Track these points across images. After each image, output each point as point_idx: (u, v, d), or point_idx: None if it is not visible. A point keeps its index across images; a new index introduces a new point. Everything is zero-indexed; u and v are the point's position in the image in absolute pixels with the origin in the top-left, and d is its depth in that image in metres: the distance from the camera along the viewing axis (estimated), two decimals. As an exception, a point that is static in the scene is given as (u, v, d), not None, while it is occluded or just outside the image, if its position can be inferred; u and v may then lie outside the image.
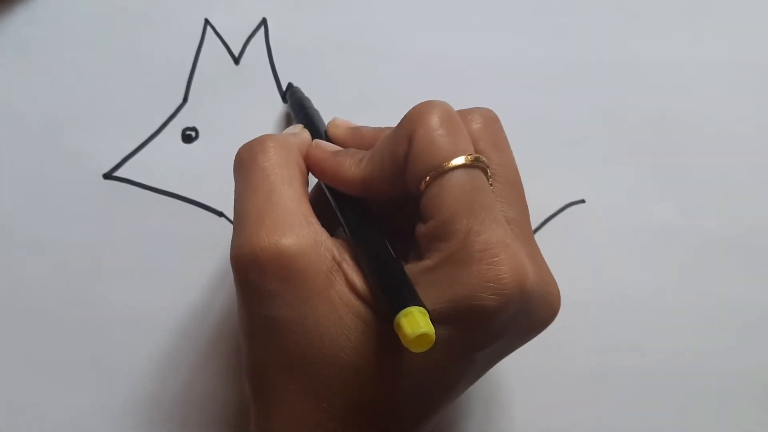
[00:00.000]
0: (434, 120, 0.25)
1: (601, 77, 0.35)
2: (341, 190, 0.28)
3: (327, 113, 0.35)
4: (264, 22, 0.35)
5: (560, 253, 0.34)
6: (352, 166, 0.27)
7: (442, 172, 0.24)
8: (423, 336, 0.22)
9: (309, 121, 0.32)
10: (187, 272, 0.34)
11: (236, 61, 0.35)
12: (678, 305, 0.34)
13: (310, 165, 0.28)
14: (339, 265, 0.25)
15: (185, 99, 0.35)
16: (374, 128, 0.30)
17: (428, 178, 0.25)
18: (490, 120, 0.28)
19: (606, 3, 0.36)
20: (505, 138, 0.28)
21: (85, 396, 0.34)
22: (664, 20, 0.36)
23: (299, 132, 0.30)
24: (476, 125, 0.27)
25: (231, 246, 0.26)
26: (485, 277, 0.23)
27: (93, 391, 0.34)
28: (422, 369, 0.24)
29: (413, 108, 0.26)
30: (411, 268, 0.25)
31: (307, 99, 0.34)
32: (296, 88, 0.35)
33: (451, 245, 0.24)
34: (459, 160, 0.24)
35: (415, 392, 0.25)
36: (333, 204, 0.28)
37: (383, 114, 0.35)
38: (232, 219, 0.34)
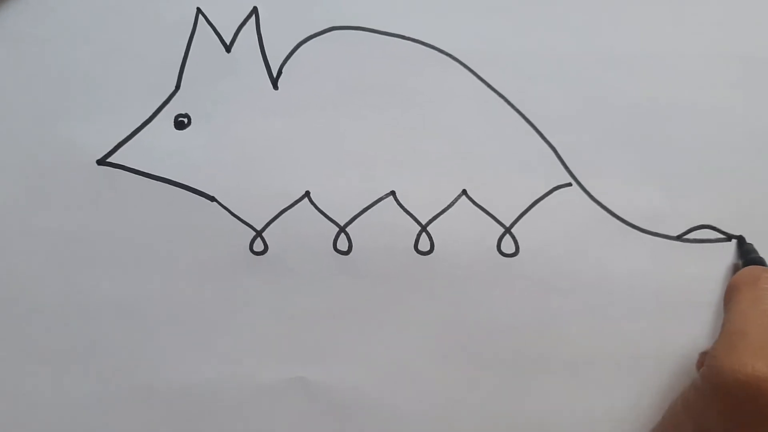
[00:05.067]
0: None
1: (590, 65, 0.35)
2: None
3: (318, 101, 0.35)
4: (255, 10, 0.36)
5: (547, 235, 0.35)
6: None
7: None
8: None
9: None
10: (179, 257, 0.35)
11: (228, 49, 0.36)
12: (664, 290, 0.34)
13: None
14: None
15: (177, 86, 0.35)
16: None
17: None
18: None
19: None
20: None
21: (77, 383, 0.34)
22: (651, 10, 0.36)
23: None
24: None
25: (726, 358, 0.27)
26: None
27: (86, 378, 0.34)
28: None
29: None
30: None
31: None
32: (750, 245, 0.35)
33: None
34: None
35: None
36: None
37: (372, 100, 0.36)
38: (224, 204, 0.35)
